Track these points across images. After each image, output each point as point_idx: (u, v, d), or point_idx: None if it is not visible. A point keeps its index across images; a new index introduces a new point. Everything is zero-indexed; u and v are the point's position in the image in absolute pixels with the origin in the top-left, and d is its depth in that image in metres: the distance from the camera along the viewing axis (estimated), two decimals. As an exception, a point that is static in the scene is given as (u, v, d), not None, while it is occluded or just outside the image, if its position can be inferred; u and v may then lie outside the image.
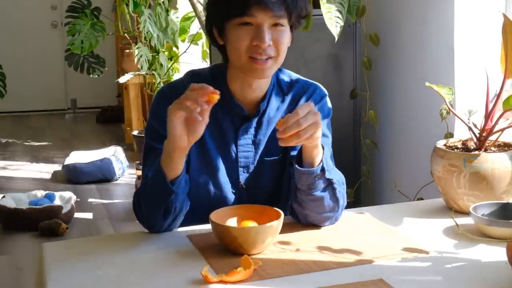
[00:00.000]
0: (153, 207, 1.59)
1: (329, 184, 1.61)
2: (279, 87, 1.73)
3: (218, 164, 1.71)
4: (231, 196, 1.73)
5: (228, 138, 1.71)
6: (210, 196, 1.72)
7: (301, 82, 1.76)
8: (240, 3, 1.56)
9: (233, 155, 1.72)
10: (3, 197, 4.30)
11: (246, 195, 1.74)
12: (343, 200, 1.67)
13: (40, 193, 4.39)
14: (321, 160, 1.58)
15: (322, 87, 1.78)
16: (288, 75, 1.77)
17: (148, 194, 1.60)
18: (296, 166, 1.59)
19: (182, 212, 1.63)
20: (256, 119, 1.71)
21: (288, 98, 1.74)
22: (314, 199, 1.62)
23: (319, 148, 1.57)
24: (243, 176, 1.73)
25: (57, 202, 4.26)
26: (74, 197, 4.36)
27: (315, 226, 1.68)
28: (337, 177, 1.65)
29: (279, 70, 1.75)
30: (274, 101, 1.72)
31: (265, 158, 1.73)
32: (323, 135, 1.71)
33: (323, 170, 1.58)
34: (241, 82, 1.67)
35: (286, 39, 1.62)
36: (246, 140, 1.72)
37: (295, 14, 1.61)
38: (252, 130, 1.72)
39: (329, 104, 1.77)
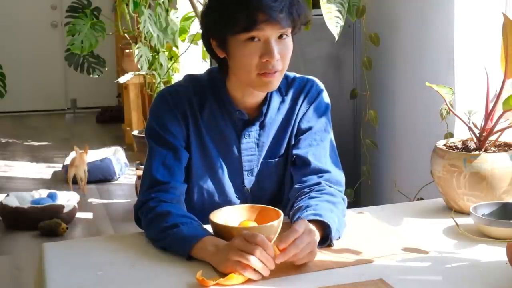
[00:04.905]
0: (157, 237, 1.57)
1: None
2: (278, 88, 1.73)
3: (221, 169, 1.71)
4: (236, 201, 1.73)
5: (230, 143, 1.71)
6: (215, 202, 1.71)
7: (298, 80, 1.77)
8: (247, 20, 1.53)
9: (237, 159, 1.72)
10: (7, 195, 4.31)
11: (250, 198, 1.75)
12: (344, 214, 1.67)
13: (43, 192, 4.40)
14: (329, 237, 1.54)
15: (318, 81, 1.78)
16: (285, 76, 1.76)
17: (160, 235, 1.55)
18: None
19: None
20: (258, 123, 1.71)
21: (287, 98, 1.74)
22: None
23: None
24: (248, 180, 1.74)
25: (59, 201, 4.26)
26: (77, 197, 4.36)
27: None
28: (339, 214, 1.61)
29: None
30: (275, 103, 1.72)
31: (268, 160, 1.74)
32: (323, 130, 1.73)
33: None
34: (243, 91, 1.67)
35: (291, 50, 1.62)
36: (249, 144, 1.71)
37: (299, 23, 1.62)
38: (255, 134, 1.71)
39: (327, 99, 1.77)
